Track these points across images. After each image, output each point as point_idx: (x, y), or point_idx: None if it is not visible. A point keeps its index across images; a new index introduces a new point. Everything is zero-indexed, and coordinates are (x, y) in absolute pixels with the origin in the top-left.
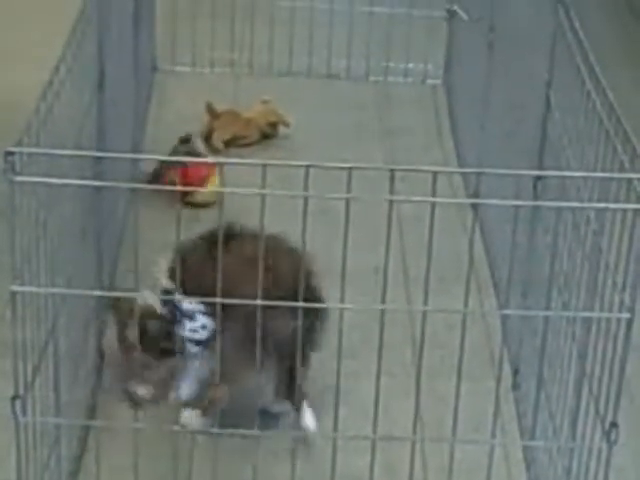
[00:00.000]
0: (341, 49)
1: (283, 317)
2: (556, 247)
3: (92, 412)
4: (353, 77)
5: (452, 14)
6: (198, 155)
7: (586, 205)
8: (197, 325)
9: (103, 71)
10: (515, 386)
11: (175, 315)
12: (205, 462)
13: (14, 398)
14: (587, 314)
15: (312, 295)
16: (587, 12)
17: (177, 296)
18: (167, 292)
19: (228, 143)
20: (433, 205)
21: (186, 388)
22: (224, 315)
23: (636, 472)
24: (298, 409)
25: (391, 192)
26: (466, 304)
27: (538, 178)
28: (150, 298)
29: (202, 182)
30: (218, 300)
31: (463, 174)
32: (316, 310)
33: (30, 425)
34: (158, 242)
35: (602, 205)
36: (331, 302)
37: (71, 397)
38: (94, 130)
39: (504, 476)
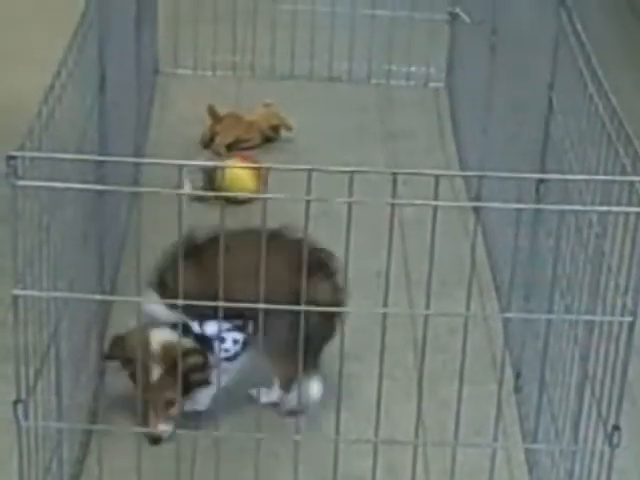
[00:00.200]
0: (343, 52)
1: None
2: (558, 250)
3: (94, 416)
4: (355, 80)
5: (454, 17)
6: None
7: (588, 208)
8: (229, 344)
9: (105, 74)
10: (517, 389)
11: (206, 344)
12: (207, 464)
13: (16, 402)
14: (589, 317)
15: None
16: (589, 15)
17: (199, 323)
18: (185, 326)
19: (230, 146)
20: (435, 208)
21: (208, 399)
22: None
23: (638, 475)
24: (308, 376)
25: (393, 195)
26: (468, 307)
27: (540, 181)
28: (167, 334)
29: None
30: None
31: (465, 177)
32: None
33: (32, 429)
34: (160, 246)
35: (604, 208)
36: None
37: (73, 401)
38: (96, 134)
39: (507, 479)
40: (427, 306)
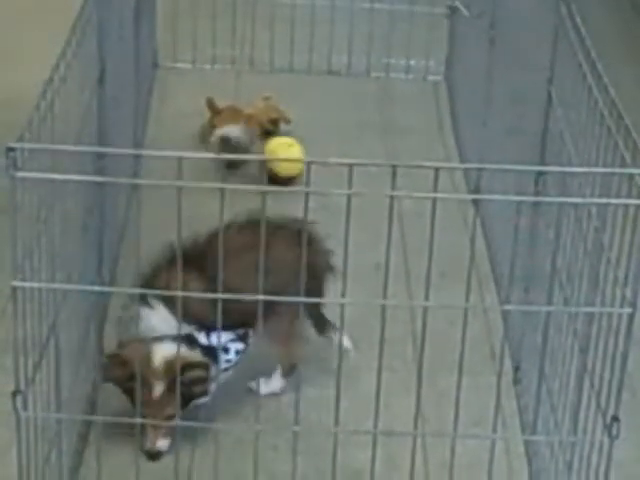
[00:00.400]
0: (342, 45)
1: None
2: (558, 242)
3: (93, 407)
4: (354, 73)
5: (453, 10)
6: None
7: (588, 201)
8: (232, 355)
9: (104, 68)
10: (516, 381)
11: (211, 355)
12: (206, 456)
13: (15, 393)
14: (589, 309)
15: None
16: (589, 8)
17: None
18: (190, 338)
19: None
20: (434, 201)
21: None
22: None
23: (638, 466)
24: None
25: (392, 188)
26: (467, 299)
27: (540, 174)
28: (170, 348)
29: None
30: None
31: (464, 170)
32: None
33: (31, 420)
34: (159, 238)
35: (604, 200)
36: (332, 298)
37: (72, 393)
38: (95, 126)
39: (505, 470)
40: (426, 298)
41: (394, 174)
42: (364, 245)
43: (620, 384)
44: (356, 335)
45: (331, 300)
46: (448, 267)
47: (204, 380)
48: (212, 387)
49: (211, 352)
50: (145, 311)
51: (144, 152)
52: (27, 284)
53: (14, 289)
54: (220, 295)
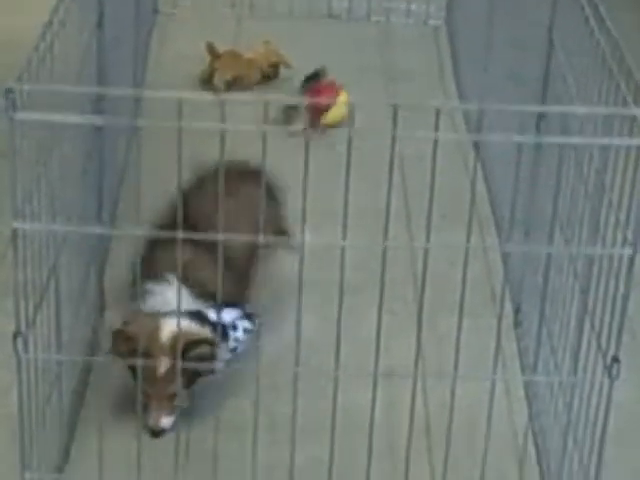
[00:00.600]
0: None
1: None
2: (559, 185)
3: (93, 350)
4: (354, 18)
5: None
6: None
7: (589, 141)
8: (240, 333)
9: (102, 12)
10: (517, 324)
11: (219, 332)
12: (206, 398)
13: (16, 335)
14: (590, 250)
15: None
16: None
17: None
18: (198, 313)
19: (229, 84)
20: (435, 142)
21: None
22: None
23: (637, 407)
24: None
25: (394, 128)
26: (468, 240)
27: (541, 117)
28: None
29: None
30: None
31: (465, 115)
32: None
33: (32, 362)
34: (159, 181)
35: (605, 141)
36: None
37: (72, 335)
38: (94, 70)
39: (505, 412)
40: (427, 238)
41: (395, 114)
42: (365, 189)
43: (621, 325)
44: (357, 278)
45: (332, 242)
46: (449, 210)
47: (211, 357)
48: (219, 365)
49: (221, 329)
50: (160, 286)
51: (144, 91)
52: (27, 226)
53: (14, 231)
54: (220, 236)
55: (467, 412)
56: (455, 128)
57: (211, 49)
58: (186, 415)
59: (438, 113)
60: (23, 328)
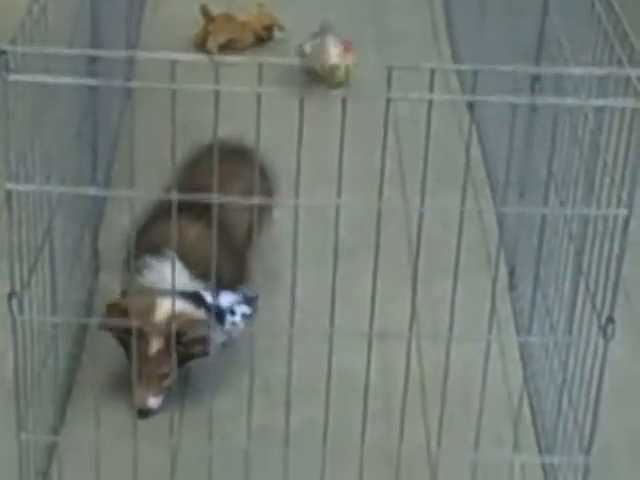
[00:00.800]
0: None
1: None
2: (554, 147)
3: (89, 312)
4: None
5: None
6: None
7: (584, 102)
8: (237, 317)
9: None
10: (511, 287)
11: (214, 314)
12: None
13: (11, 296)
14: (585, 211)
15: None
16: None
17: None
18: (195, 295)
19: (223, 47)
20: (430, 103)
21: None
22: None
23: (632, 368)
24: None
25: (388, 90)
26: (463, 202)
27: (535, 80)
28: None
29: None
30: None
31: (460, 79)
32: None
33: (27, 323)
34: (154, 144)
35: (600, 102)
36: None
37: (67, 297)
38: (88, 33)
39: (500, 373)
40: (422, 201)
41: (389, 76)
42: (359, 152)
43: (615, 286)
44: (351, 241)
45: (327, 201)
46: (443, 173)
47: (204, 340)
48: (213, 348)
49: (217, 312)
50: (158, 263)
51: (138, 53)
52: (21, 187)
53: (8, 193)
54: (215, 197)
55: (462, 374)
56: (450, 91)
57: (205, 12)
58: (182, 378)
59: (433, 74)
60: (18, 289)
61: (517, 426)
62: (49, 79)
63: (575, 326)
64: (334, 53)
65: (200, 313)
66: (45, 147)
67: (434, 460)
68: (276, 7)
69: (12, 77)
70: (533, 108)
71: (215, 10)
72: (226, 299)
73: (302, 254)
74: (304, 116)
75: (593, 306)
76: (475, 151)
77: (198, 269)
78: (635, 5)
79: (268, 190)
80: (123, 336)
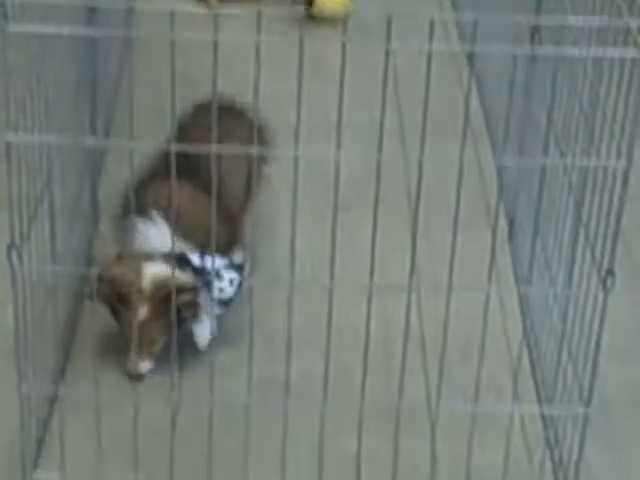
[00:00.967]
0: None
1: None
2: (553, 98)
3: (89, 263)
4: None
5: None
6: None
7: (584, 53)
8: (225, 283)
9: None
10: (511, 238)
11: (202, 278)
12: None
13: (10, 247)
14: (584, 163)
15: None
16: None
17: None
18: (183, 257)
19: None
20: (429, 55)
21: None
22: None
23: (631, 321)
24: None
25: (387, 41)
26: (462, 153)
27: (535, 31)
28: (160, 269)
29: None
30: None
31: (460, 33)
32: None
33: (27, 274)
34: (153, 95)
35: (599, 52)
36: (328, 153)
37: (67, 249)
38: None
39: (500, 326)
40: (421, 151)
41: (389, 26)
42: (359, 105)
43: (615, 237)
44: (350, 194)
45: (326, 155)
46: (443, 125)
47: (193, 304)
48: (202, 312)
49: (203, 275)
50: (143, 224)
51: (136, 4)
52: (21, 138)
53: (7, 144)
54: (214, 148)
55: (462, 325)
56: (449, 41)
57: None
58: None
59: (432, 24)
60: (17, 240)
61: (516, 378)
62: (48, 29)
63: (575, 278)
64: None
65: (186, 276)
66: (44, 98)
67: (434, 412)
68: None
69: (11, 27)
70: (532, 59)
71: None
72: (213, 262)
73: (300, 206)
74: (303, 71)
75: (593, 258)
76: (474, 104)
77: (185, 230)
78: None
79: (264, 152)
80: (112, 304)
